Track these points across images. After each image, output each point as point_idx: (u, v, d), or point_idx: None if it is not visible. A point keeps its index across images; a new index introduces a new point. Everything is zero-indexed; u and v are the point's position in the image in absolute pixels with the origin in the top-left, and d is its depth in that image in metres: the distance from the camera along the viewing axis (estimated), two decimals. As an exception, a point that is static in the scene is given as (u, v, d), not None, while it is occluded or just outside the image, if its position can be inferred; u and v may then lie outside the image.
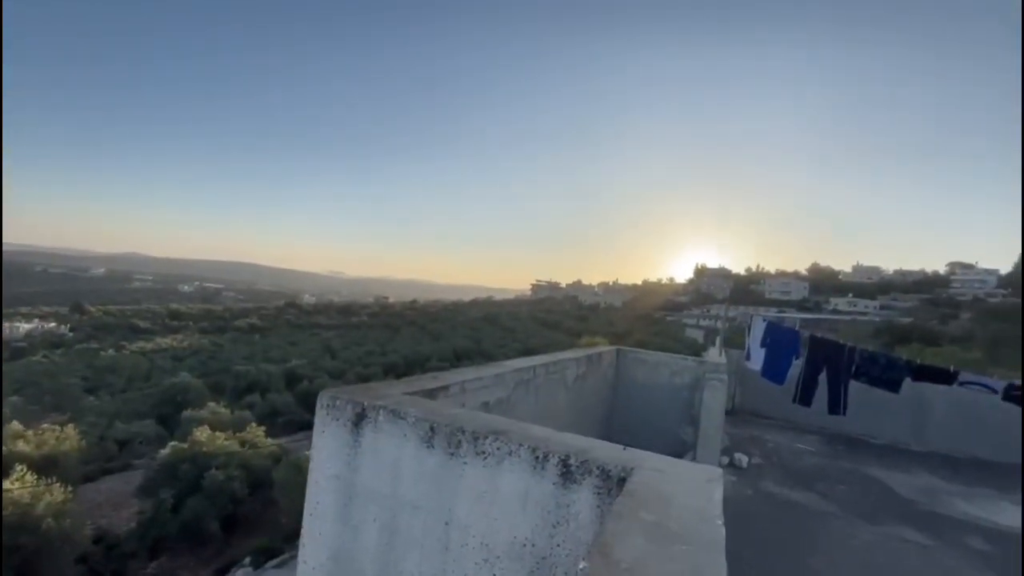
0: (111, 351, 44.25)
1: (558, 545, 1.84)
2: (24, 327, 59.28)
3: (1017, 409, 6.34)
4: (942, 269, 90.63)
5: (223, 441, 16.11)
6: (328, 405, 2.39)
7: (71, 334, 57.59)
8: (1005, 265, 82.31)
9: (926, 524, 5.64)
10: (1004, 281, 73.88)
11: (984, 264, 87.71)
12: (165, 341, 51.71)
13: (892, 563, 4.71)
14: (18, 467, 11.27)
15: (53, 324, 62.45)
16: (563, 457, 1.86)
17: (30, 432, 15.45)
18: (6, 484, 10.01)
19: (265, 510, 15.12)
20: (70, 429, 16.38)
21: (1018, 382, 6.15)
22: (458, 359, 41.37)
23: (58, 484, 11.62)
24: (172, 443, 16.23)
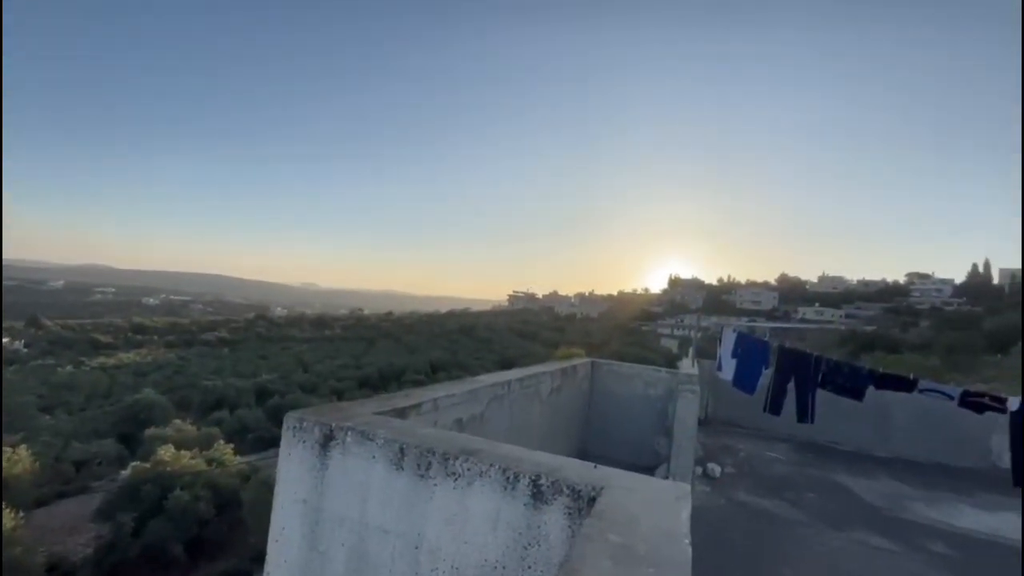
0: (69, 367, 42.35)
1: (529, 567, 1.82)
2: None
3: (972, 414, 6.61)
4: (902, 279, 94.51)
5: (189, 460, 15.53)
6: (295, 427, 2.33)
7: (26, 350, 54.85)
8: (959, 275, 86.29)
9: (890, 529, 5.80)
10: (959, 290, 77.46)
11: (940, 274, 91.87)
12: (128, 356, 49.76)
13: (858, 569, 4.82)
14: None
15: (7, 339, 59.40)
16: (534, 477, 1.86)
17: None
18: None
19: (233, 531, 14.60)
20: (22, 450, 15.56)
21: (972, 388, 6.42)
22: (434, 371, 40.99)
23: (8, 509, 10.99)
24: (133, 463, 15.57)
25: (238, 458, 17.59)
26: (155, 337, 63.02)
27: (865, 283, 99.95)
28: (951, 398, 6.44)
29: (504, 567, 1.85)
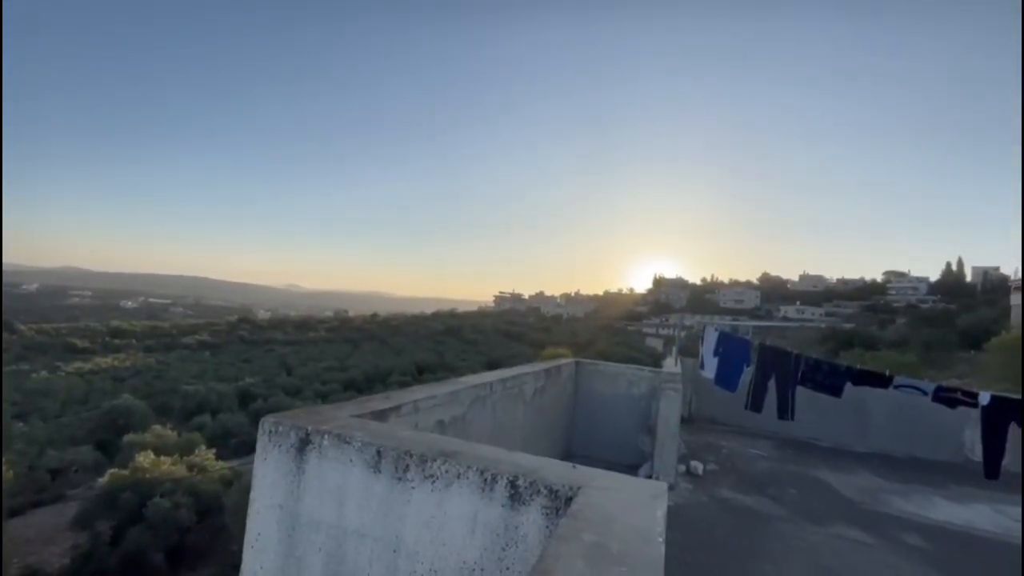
0: (44, 373, 41.23)
1: (507, 568, 1.82)
2: (-57, 349, 54.37)
3: (946, 409, 6.78)
4: (879, 277, 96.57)
5: (169, 466, 15.23)
6: (271, 431, 2.29)
7: (-2, 355, 53.30)
8: (934, 273, 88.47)
9: (868, 523, 5.91)
10: (934, 288, 79.40)
11: (916, 273, 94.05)
12: (105, 361, 48.62)
13: (838, 563, 4.91)
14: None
15: (-23, 345, 57.67)
16: (511, 478, 1.85)
17: (-53, 464, 14.15)
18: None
19: (215, 538, 14.36)
20: (-6, 460, 15.10)
21: (946, 384, 6.58)
22: (420, 373, 40.80)
23: (-22, 521, 10.67)
24: (111, 470, 15.21)
25: (220, 463, 17.30)
26: (134, 341, 61.69)
27: (844, 282, 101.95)
28: (925, 393, 6.60)
29: (482, 569, 1.85)
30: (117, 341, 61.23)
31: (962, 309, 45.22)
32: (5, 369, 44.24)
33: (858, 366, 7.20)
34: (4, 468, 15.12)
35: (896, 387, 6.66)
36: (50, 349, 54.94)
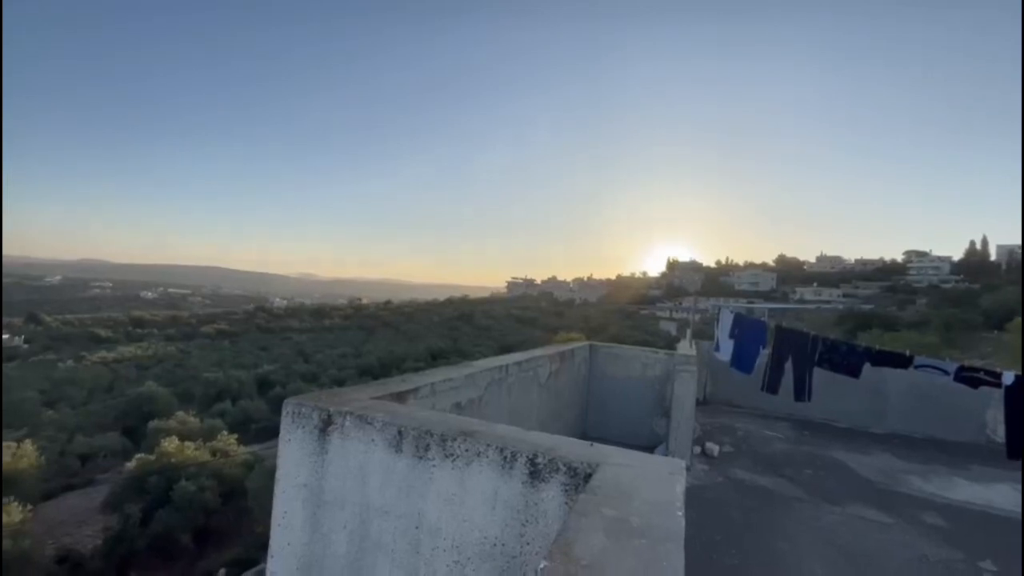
0: (70, 362, 42.42)
1: (528, 543, 1.86)
2: (-26, 340, 56.15)
3: (968, 389, 6.68)
4: (899, 257, 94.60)
5: (193, 451, 15.66)
6: (293, 412, 2.35)
7: (26, 346, 54.91)
8: (957, 252, 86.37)
9: (886, 503, 5.89)
10: (957, 268, 77.61)
11: (938, 252, 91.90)
12: (128, 350, 49.82)
13: (855, 542, 4.91)
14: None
15: (6, 336, 59.46)
16: (531, 456, 1.88)
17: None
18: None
19: (239, 520, 14.78)
20: (28, 445, 15.66)
21: (968, 363, 6.48)
22: (434, 359, 41.16)
23: (16, 503, 11.11)
24: (138, 455, 15.70)
25: (242, 448, 17.75)
26: (155, 331, 63.08)
27: (863, 262, 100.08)
28: (947, 373, 6.50)
29: (503, 544, 1.89)
30: (139, 331, 62.67)
31: (986, 289, 44.20)
32: (33, 359, 45.59)
33: (877, 347, 7.12)
34: (37, 453, 15.67)
35: (917, 367, 6.57)
36: (75, 339, 56.46)
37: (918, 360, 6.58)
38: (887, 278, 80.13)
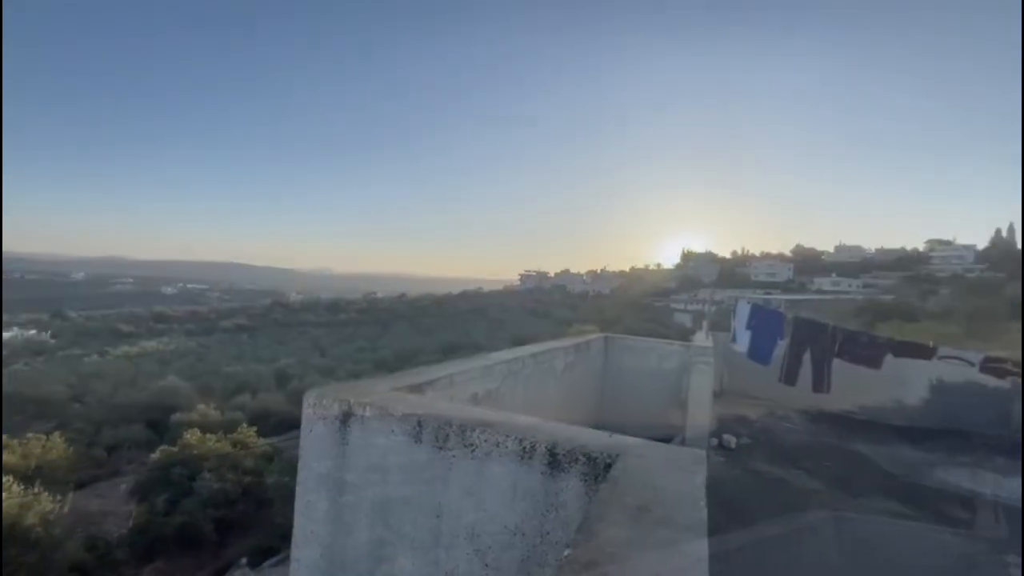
0: (95, 356, 43.52)
1: (548, 532, 1.87)
2: (3, 336, 57.92)
3: (993, 380, 6.54)
4: (921, 246, 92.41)
5: (214, 443, 15.99)
6: (315, 404, 2.38)
7: (53, 341, 56.47)
8: (981, 241, 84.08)
9: (908, 496, 5.80)
10: (981, 256, 75.58)
11: (962, 240, 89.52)
12: (150, 344, 50.94)
13: (876, 535, 4.85)
14: (5, 478, 11.09)
15: (34, 331, 61.19)
16: (550, 446, 1.89)
17: (15, 442, 15.19)
18: (-8, 496, 9.87)
19: (260, 510, 15.08)
20: (56, 437, 16.13)
21: (994, 355, 6.33)
22: (448, 352, 41.40)
23: (46, 493, 11.47)
24: (162, 447, 16.09)
25: (261, 440, 18.08)
26: (175, 325, 64.38)
27: (883, 252, 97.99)
28: (972, 364, 6.37)
29: (523, 533, 1.90)
30: (160, 326, 64.01)
31: (1012, 278, 42.99)
32: (60, 354, 46.87)
33: (898, 338, 6.99)
34: (65, 445, 16.13)
35: (940, 358, 6.45)
36: (99, 334, 57.89)
37: (942, 351, 6.47)
38: (908, 268, 78.38)
